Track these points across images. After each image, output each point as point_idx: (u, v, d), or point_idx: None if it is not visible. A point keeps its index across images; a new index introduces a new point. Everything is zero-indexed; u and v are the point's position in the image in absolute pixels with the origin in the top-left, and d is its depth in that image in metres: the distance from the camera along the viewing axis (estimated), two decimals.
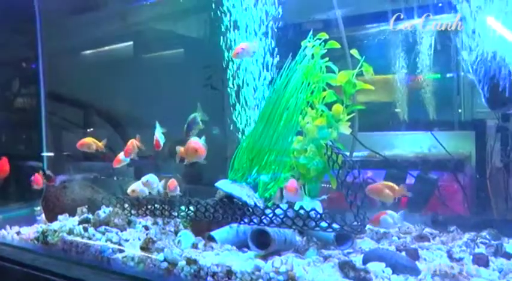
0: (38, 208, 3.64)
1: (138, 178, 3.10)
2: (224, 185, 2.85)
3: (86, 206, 3.25)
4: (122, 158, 3.15)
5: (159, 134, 2.97)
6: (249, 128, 3.21)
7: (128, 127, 4.41)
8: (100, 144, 3.28)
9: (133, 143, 3.13)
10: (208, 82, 3.94)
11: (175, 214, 2.87)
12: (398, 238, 2.78)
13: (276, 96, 2.89)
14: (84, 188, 3.49)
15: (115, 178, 3.85)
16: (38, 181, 3.32)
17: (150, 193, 3.05)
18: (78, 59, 4.88)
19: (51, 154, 4.51)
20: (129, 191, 3.00)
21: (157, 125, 2.99)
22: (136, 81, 4.24)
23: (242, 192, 2.80)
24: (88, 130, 4.84)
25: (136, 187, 3.03)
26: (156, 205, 2.89)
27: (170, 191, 2.97)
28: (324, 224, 2.39)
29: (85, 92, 4.58)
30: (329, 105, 2.93)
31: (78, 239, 2.84)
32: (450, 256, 2.41)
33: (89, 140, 3.29)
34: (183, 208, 2.84)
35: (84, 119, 4.82)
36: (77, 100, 4.69)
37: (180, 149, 2.75)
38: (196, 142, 2.71)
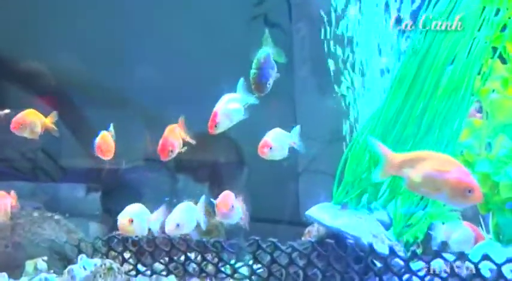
0: None
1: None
2: (325, 215, 2.55)
3: (45, 258, 2.90)
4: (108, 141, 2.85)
5: None
6: (367, 102, 3.06)
7: (95, 108, 4.01)
8: (48, 121, 2.94)
9: (174, 131, 2.76)
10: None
11: (228, 270, 2.65)
12: None
13: (429, 41, 2.50)
14: (41, 222, 3.10)
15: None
16: None
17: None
18: None
19: None
20: (121, 223, 2.56)
21: None
22: (114, 16, 3.86)
23: (363, 228, 2.52)
24: (3, 112, 4.07)
25: (131, 212, 2.57)
26: (188, 254, 2.68)
27: (222, 215, 2.55)
28: None
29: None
30: None
31: None
32: None
33: (30, 114, 2.90)
34: (245, 258, 2.64)
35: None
36: None
37: None
38: None
